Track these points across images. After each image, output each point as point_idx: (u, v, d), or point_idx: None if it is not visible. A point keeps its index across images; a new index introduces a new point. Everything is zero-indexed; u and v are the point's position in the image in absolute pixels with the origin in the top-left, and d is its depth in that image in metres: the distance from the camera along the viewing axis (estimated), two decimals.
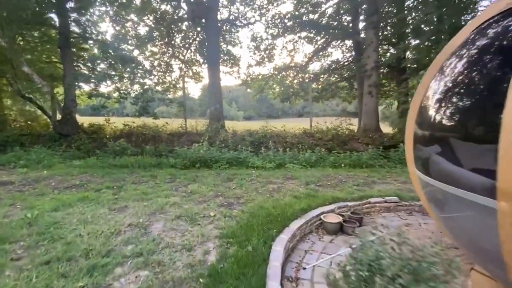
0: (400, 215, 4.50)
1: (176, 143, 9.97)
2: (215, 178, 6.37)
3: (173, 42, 17.53)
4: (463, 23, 16.21)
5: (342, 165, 7.86)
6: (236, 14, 17.39)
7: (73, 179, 6.15)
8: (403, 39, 15.30)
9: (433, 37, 17.29)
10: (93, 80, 10.57)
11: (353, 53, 18.94)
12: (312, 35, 17.92)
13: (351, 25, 15.66)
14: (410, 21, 16.05)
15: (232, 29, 18.11)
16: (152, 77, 16.56)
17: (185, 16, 14.83)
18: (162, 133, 10.28)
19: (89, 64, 12.89)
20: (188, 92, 16.19)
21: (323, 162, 8.07)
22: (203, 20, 14.65)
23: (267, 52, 18.50)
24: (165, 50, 17.51)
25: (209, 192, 5.18)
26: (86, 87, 12.06)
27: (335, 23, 16.21)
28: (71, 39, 11.67)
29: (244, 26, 16.95)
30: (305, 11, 16.80)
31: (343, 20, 16.39)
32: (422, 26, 16.95)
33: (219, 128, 11.21)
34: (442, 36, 13.53)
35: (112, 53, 10.90)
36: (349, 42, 19.27)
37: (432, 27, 16.90)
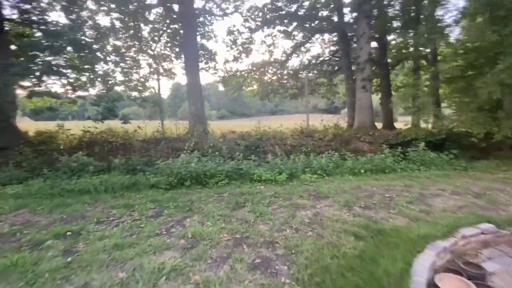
0: (506, 251, 3.02)
1: (153, 153, 7.75)
2: (219, 203, 4.42)
3: (140, 34, 14.87)
4: (437, 17, 15.85)
5: (362, 170, 6.34)
6: (211, 4, 15.24)
7: (0, 222, 3.82)
8: (386, 32, 14.40)
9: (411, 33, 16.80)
10: (35, 74, 7.77)
11: (336, 47, 17.85)
12: (290, 29, 16.37)
13: (335, 17, 14.34)
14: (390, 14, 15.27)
15: (207, 22, 15.90)
16: (118, 72, 13.85)
17: (154, 2, 12.35)
18: (134, 140, 7.97)
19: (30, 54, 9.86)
20: (154, 91, 13.69)
21: (340, 168, 6.48)
22: (176, 9, 12.36)
23: (244, 46, 16.58)
24: (131, 43, 14.78)
25: (221, 234, 3.24)
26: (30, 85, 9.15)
27: (319, 14, 14.73)
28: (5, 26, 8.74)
29: (221, 16, 14.84)
30: (285, 2, 15.16)
31: (328, 10, 15.00)
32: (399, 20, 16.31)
33: (204, 131, 9.16)
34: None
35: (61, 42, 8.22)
36: (327, 36, 18.18)
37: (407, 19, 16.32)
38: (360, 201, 4.30)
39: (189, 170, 5.42)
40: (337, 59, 18.31)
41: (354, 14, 14.82)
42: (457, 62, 16.01)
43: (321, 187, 5.15)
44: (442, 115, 7.88)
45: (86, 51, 13.96)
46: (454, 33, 15.23)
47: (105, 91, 10.30)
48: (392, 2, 14.71)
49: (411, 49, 18.09)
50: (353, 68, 14.69)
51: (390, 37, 16.08)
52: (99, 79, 14.61)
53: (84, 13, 13.18)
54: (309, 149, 7.99)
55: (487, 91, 6.02)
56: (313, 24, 15.59)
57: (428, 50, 15.72)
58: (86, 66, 14.08)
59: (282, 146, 8.26)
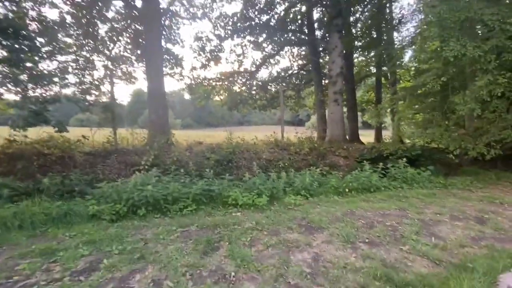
0: None
1: (100, 169, 6.16)
2: (184, 243, 3.18)
3: (95, 32, 12.97)
4: (395, 39, 16.64)
5: (347, 189, 5.59)
6: (178, 7, 14.01)
7: None
8: (352, 49, 14.56)
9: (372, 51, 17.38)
10: None
11: (304, 61, 17.68)
12: (260, 40, 15.81)
13: (305, 29, 14.07)
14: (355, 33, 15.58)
15: (173, 25, 14.57)
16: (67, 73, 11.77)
17: None
18: (76, 153, 6.28)
19: None
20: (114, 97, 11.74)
21: (323, 187, 5.65)
22: (139, 5, 10.91)
23: (213, 54, 15.55)
24: (84, 42, 12.75)
25: None
26: None
27: (290, 27, 14.36)
28: None
29: (188, 20, 13.67)
30: (256, 13, 14.56)
31: (296, 25, 14.73)
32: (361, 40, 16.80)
33: (167, 142, 7.77)
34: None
35: None
36: (297, 50, 18.01)
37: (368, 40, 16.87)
38: (362, 234, 3.43)
39: (144, 195, 4.09)
40: (305, 73, 18.24)
41: (323, 29, 14.88)
42: (411, 82, 16.83)
43: (310, 213, 4.21)
44: (410, 130, 7.56)
45: (27, 45, 11.71)
46: (408, 55, 16.22)
47: (49, 94, 8.43)
48: (358, 19, 15.04)
49: (372, 67, 18.94)
50: (324, 81, 14.54)
51: (354, 55, 16.46)
52: (43, 79, 12.36)
53: (27, 4, 11.02)
54: (286, 164, 7.11)
55: (466, 107, 5.75)
56: (283, 38, 15.21)
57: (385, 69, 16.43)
58: (27, 64, 11.82)
59: (257, 160, 7.27)
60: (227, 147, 7.41)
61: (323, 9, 13.85)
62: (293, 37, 15.34)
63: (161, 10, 11.29)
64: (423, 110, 7.30)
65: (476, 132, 6.67)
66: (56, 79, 11.38)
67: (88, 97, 10.99)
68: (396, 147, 7.51)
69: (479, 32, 5.68)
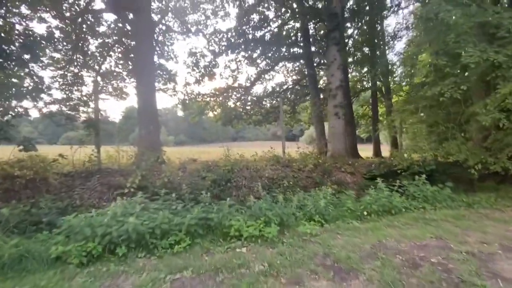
0: None
1: (78, 193, 5.20)
2: None
3: (85, 48, 12.28)
4: (388, 56, 16.57)
5: (365, 213, 4.77)
6: (171, 23, 13.56)
7: None
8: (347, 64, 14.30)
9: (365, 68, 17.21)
10: None
11: (299, 77, 17.33)
12: (255, 55, 15.44)
13: (301, 44, 13.71)
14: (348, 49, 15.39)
15: (166, 41, 14.07)
16: (54, 89, 10.94)
17: (104, 7, 10.12)
18: (51, 175, 5.30)
19: None
20: (103, 113, 10.77)
21: (338, 209, 4.81)
22: (130, 16, 10.31)
23: (207, 70, 15.02)
24: (74, 57, 11.95)
25: None
26: None
27: (285, 41, 14.02)
28: None
29: (182, 35, 13.17)
30: (250, 29, 14.23)
31: (292, 38, 14.42)
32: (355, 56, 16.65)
33: (157, 161, 6.86)
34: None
35: None
36: (291, 65, 17.71)
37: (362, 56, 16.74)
38: (409, 279, 2.59)
39: (125, 229, 3.17)
40: (299, 88, 17.87)
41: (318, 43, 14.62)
42: (403, 97, 16.60)
43: (332, 247, 3.34)
44: (422, 144, 6.91)
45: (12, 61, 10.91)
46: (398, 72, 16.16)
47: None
48: (351, 35, 14.88)
49: (365, 83, 18.76)
50: (322, 95, 14.07)
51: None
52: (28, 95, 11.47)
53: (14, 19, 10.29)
54: (290, 182, 6.28)
55: (490, 117, 5.14)
56: (278, 53, 14.88)
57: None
58: (13, 80, 10.95)
59: (259, 179, 6.42)
60: (225, 164, 6.55)
61: (318, 23, 13.65)
62: (287, 52, 15.03)
63: (153, 25, 10.70)
64: (436, 122, 6.69)
65: (495, 145, 6.05)
66: (42, 95, 10.50)
67: (75, 114, 10.13)
68: (408, 162, 6.79)
69: (497, 37, 5.18)
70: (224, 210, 3.94)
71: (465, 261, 2.98)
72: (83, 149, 6.14)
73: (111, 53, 12.83)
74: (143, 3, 8.77)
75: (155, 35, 13.03)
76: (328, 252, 3.20)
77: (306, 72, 16.76)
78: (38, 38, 11.08)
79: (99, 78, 12.80)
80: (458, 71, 5.61)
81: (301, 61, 16.26)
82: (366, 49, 16.17)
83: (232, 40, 13.90)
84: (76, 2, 10.95)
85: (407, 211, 5.10)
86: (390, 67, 15.06)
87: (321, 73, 17.03)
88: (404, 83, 18.31)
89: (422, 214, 4.93)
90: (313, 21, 13.42)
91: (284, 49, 14.95)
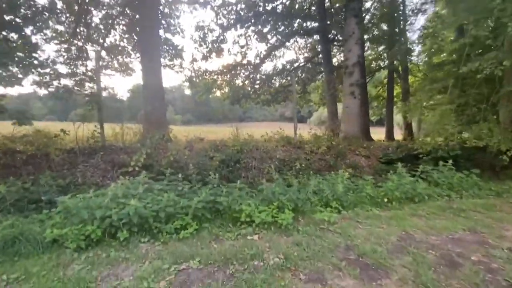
0: None
1: (81, 170, 4.93)
2: None
3: (89, 20, 11.65)
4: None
5: (386, 200, 4.38)
6: None
7: None
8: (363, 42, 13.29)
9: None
10: None
11: (310, 54, 16.40)
12: (265, 30, 14.51)
13: (316, 16, 12.68)
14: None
15: (172, 13, 13.23)
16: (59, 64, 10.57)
17: None
18: (52, 150, 5.02)
19: None
20: (110, 91, 10.38)
21: (355, 194, 4.43)
22: None
23: (215, 45, 14.23)
24: (77, 30, 11.34)
25: None
26: None
27: (301, 13, 13.00)
28: None
29: (190, 4, 12.33)
30: (261, 0, 13.19)
31: (305, 11, 13.37)
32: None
33: (163, 138, 6.51)
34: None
35: None
36: (302, 42, 16.72)
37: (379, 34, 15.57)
38: (448, 280, 2.22)
39: (125, 212, 2.86)
40: (310, 66, 16.95)
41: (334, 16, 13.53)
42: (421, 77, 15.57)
43: (354, 238, 2.99)
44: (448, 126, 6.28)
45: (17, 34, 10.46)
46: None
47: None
48: (368, 9, 13.72)
49: (380, 62, 17.66)
50: (335, 73, 13.28)
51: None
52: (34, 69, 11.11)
53: None
54: (303, 165, 5.87)
55: None
56: (290, 26, 13.90)
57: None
58: (18, 54, 10.55)
59: (269, 160, 6.04)
60: (234, 144, 6.17)
61: None
62: (300, 27, 14.03)
63: None
64: (467, 103, 6.04)
65: None
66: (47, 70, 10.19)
67: (79, 90, 9.81)
68: (431, 146, 6.26)
69: None
70: (234, 193, 3.59)
71: (509, 260, 2.58)
72: (88, 126, 5.79)
73: (115, 25, 12.16)
74: None
75: (160, 7, 12.26)
76: (350, 244, 2.85)
77: (319, 49, 15.82)
78: (40, 9, 10.52)
79: (103, 53, 12.31)
80: (501, 44, 4.89)
81: (315, 36, 15.27)
82: (384, 26, 15.04)
83: (242, 13, 12.98)
84: None
85: (431, 199, 4.67)
86: (409, 45, 14.00)
87: (335, 51, 16.05)
88: (421, 62, 17.21)
89: (448, 203, 4.50)
90: None
91: (296, 24, 13.96)
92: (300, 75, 17.27)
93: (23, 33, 10.95)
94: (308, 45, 16.71)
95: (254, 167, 5.70)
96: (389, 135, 14.75)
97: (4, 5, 9.77)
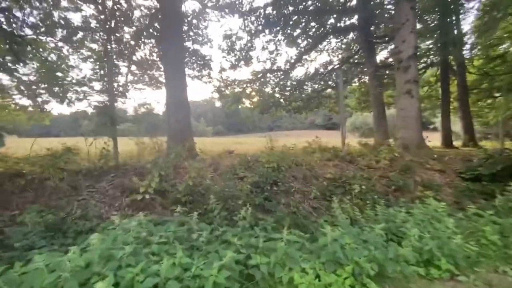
0: None
1: (84, 198, 3.90)
2: None
3: (121, 36, 11.41)
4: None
5: None
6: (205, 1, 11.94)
7: None
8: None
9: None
10: None
11: (344, 54, 14.67)
12: (296, 33, 13.17)
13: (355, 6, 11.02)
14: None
15: (200, 23, 12.56)
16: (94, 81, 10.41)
17: None
18: (56, 172, 4.08)
19: None
20: (148, 106, 9.69)
21: (473, 243, 2.72)
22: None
23: (243, 53, 13.24)
24: (109, 47, 11.06)
25: None
26: None
27: (337, 7, 11.41)
28: None
29: (216, 10, 11.50)
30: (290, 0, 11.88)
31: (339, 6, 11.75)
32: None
33: (185, 153, 5.36)
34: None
35: None
36: (334, 43, 15.02)
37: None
38: None
39: None
40: (345, 68, 15.14)
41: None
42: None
43: None
44: None
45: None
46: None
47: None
48: None
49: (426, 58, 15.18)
50: (379, 71, 11.39)
51: None
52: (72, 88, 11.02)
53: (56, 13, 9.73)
54: (363, 186, 4.25)
55: None
56: (323, 27, 12.39)
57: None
58: (58, 74, 10.51)
59: (314, 180, 4.53)
60: (268, 160, 4.77)
61: None
62: (333, 27, 12.43)
63: (180, 3, 9.03)
64: None
65: None
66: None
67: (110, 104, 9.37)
68: None
69: None
70: (277, 248, 2.14)
71: None
72: (92, 141, 4.85)
73: (144, 40, 11.77)
74: None
75: (188, 18, 11.66)
76: None
77: (355, 49, 14.04)
78: (75, 28, 10.41)
79: (133, 67, 11.97)
80: None
81: (351, 35, 13.58)
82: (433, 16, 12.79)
83: (270, 17, 11.83)
84: None
85: None
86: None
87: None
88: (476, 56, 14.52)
89: None
90: None
91: (329, 23, 12.39)
92: (334, 78, 15.54)
93: (62, 54, 10.94)
94: (343, 46, 14.99)
95: (296, 190, 4.23)
96: (447, 141, 12.23)
97: (42, 27, 9.72)
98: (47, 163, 4.40)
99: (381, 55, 14.57)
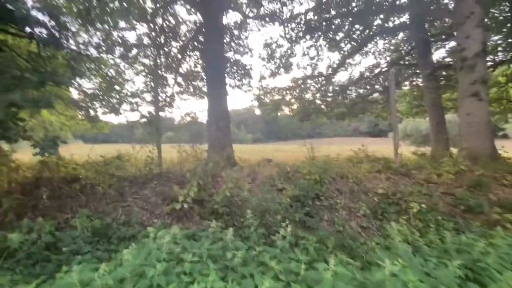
0: None
1: (129, 204, 4.06)
2: None
3: (169, 50, 12.28)
4: None
5: None
6: (246, 10, 12.15)
7: None
8: None
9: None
10: None
11: (393, 56, 13.50)
12: (339, 37, 12.57)
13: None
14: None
15: (241, 34, 12.83)
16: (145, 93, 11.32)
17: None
18: (105, 178, 4.36)
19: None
20: (193, 115, 10.12)
21: None
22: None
23: (283, 60, 13.07)
24: (158, 61, 11.96)
25: None
26: None
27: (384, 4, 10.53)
28: None
29: (257, 19, 11.61)
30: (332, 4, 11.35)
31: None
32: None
33: (223, 162, 5.31)
34: None
35: None
36: (381, 44, 13.89)
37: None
38: None
39: None
40: (394, 70, 13.85)
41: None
42: None
43: None
44: None
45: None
46: None
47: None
48: None
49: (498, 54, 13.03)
50: (435, 72, 10.13)
51: None
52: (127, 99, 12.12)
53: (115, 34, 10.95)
54: (423, 205, 3.61)
55: None
56: (369, 28, 11.57)
57: None
58: (116, 87, 11.70)
59: (362, 195, 4.02)
60: (309, 171, 4.41)
61: None
62: (379, 28, 11.51)
63: (222, 15, 9.24)
64: None
65: None
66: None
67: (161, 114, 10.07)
68: None
69: None
70: (323, 284, 1.81)
71: None
72: (139, 149, 5.09)
73: (189, 53, 12.44)
74: None
75: (230, 29, 12.01)
76: None
77: (406, 49, 12.80)
78: (130, 46, 11.49)
79: (179, 79, 12.70)
80: None
81: (400, 35, 12.44)
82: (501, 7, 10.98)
83: (312, 23, 11.47)
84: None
85: None
86: None
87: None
88: None
89: None
90: None
91: (375, 24, 11.51)
92: (381, 81, 14.38)
93: (119, 69, 12.15)
94: (391, 46, 13.81)
95: (342, 206, 3.79)
96: None
97: (104, 46, 10.91)
98: (100, 169, 4.74)
99: (437, 55, 13.00)
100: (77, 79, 8.84)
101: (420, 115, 14.95)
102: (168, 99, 11.86)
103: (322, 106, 14.97)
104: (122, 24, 10.85)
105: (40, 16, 5.30)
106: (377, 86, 14.19)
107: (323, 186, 4.04)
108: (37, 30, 4.43)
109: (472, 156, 6.01)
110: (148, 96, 11.50)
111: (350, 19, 11.27)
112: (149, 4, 11.12)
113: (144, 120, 5.50)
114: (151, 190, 4.44)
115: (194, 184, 3.80)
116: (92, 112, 8.93)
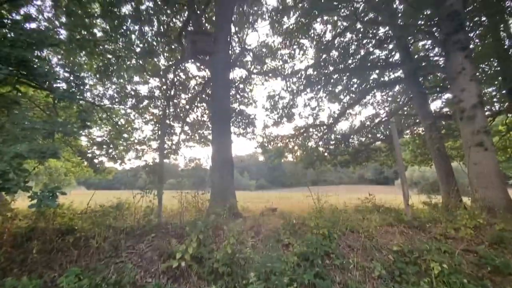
0: None
1: (122, 260, 3.74)
2: None
3: (177, 101, 13.01)
4: None
5: None
6: (251, 68, 13.22)
7: None
8: None
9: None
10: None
11: (391, 107, 14.02)
12: (338, 90, 13.38)
13: (399, 61, 10.81)
14: None
15: (246, 87, 13.75)
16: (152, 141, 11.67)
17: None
18: (100, 230, 4.10)
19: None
20: (198, 162, 10.10)
21: None
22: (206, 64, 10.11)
23: (286, 111, 13.67)
24: (167, 111, 12.54)
25: None
26: None
27: (379, 63, 11.43)
28: None
29: (260, 75, 12.53)
30: (330, 61, 12.35)
31: (380, 63, 11.70)
32: None
33: (226, 213, 5.06)
34: None
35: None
36: (379, 96, 14.59)
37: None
38: None
39: None
40: (394, 120, 14.24)
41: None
42: None
43: None
44: None
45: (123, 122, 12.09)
46: None
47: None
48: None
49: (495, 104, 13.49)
50: (435, 122, 10.33)
51: None
52: (133, 147, 12.37)
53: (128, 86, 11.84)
54: (444, 265, 3.24)
55: None
56: (366, 81, 12.34)
57: None
58: (124, 135, 12.01)
59: (376, 252, 3.67)
60: (316, 223, 4.14)
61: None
62: (377, 80, 12.28)
63: (228, 68, 9.94)
64: None
65: None
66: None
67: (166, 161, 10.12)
68: None
69: None
70: None
71: None
72: (141, 198, 4.92)
73: (197, 104, 13.09)
74: (218, 47, 8.22)
75: (235, 83, 12.83)
76: None
77: (403, 100, 13.37)
78: (142, 97, 12.22)
79: (186, 127, 13.12)
80: None
81: (397, 87, 13.15)
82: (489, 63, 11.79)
83: (311, 77, 12.31)
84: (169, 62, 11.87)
85: None
86: None
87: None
88: None
89: None
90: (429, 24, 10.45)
91: (371, 78, 12.30)
92: (383, 130, 14.65)
93: (129, 119, 12.69)
94: (389, 98, 14.47)
95: (354, 265, 3.42)
96: None
97: (116, 98, 11.61)
98: (97, 220, 4.53)
99: (434, 105, 13.49)
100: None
101: (425, 163, 14.80)
102: (174, 147, 12.08)
103: (325, 154, 15.01)
104: (136, 78, 11.76)
105: (61, 71, 5.78)
106: (378, 135, 14.42)
107: (333, 242, 3.73)
108: (57, 84, 4.79)
109: (489, 208, 5.68)
110: (154, 144, 11.75)
111: (348, 74, 12.08)
112: (162, 62, 12.15)
113: (146, 168, 5.46)
114: (148, 244, 4.14)
115: (194, 238, 3.54)
116: (97, 160, 8.99)
